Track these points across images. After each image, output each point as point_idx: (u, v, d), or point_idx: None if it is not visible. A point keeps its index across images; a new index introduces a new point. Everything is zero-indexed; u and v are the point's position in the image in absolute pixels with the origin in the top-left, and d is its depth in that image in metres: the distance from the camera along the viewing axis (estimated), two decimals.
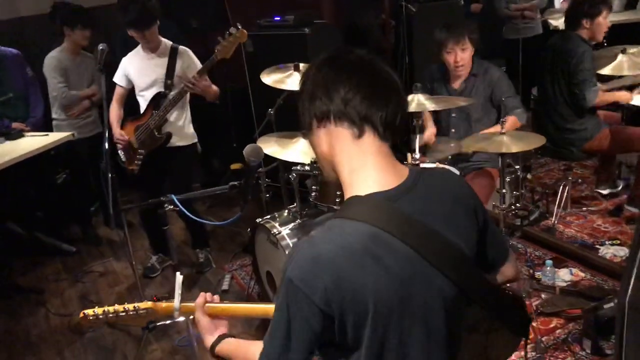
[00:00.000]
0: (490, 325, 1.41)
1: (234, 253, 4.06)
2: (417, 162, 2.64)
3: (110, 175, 2.82)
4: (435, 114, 3.44)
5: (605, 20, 3.64)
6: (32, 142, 3.88)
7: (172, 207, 2.00)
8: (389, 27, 5.36)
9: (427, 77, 3.50)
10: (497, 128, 2.96)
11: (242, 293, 3.58)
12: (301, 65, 3.33)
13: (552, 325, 2.96)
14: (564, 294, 3.15)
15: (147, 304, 1.64)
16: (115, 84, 3.61)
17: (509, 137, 2.75)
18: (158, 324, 3.18)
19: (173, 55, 3.48)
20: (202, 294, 1.56)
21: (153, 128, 3.44)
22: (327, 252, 1.11)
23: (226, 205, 4.73)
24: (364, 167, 1.20)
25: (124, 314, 1.65)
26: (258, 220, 3.06)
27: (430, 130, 3.36)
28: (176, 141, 3.55)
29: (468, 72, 3.31)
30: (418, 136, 2.67)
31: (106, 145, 2.96)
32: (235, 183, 1.80)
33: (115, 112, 3.61)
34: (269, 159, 3.24)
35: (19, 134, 3.96)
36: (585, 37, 3.65)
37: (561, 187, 3.92)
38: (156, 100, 3.46)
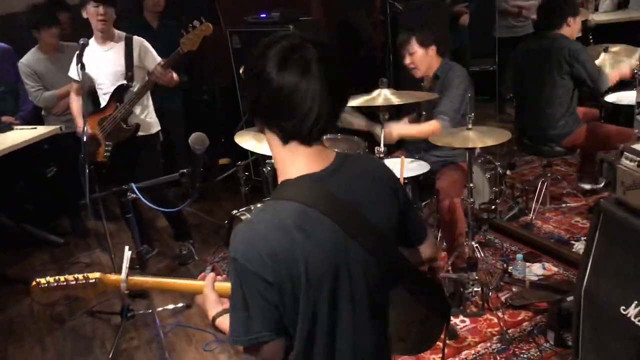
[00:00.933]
0: (415, 307, 1.49)
1: (218, 246, 4.13)
2: (381, 155, 2.70)
3: (87, 167, 2.91)
4: (417, 112, 3.50)
5: (580, 19, 3.71)
6: (20, 135, 3.96)
7: (134, 195, 2.07)
8: (379, 24, 5.42)
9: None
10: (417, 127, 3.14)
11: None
12: None
13: (519, 318, 3.01)
14: (533, 287, 3.20)
15: (96, 274, 1.72)
16: (70, 78, 3.63)
17: (475, 132, 2.79)
18: (136, 313, 3.32)
19: (129, 45, 3.49)
20: (211, 273, 1.61)
21: (120, 120, 3.46)
22: (262, 229, 1.24)
23: (215, 199, 4.80)
24: (294, 156, 1.31)
25: (74, 282, 1.72)
26: (234, 212, 3.12)
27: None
28: (141, 131, 3.58)
29: (427, 72, 3.36)
30: (383, 130, 2.72)
31: (84, 138, 3.04)
32: (184, 170, 1.87)
33: (76, 105, 3.63)
34: (247, 154, 3.31)
35: (7, 127, 4.05)
36: (567, 35, 3.69)
37: (539, 183, 3.96)
38: (119, 93, 3.47)
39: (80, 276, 1.73)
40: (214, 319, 1.48)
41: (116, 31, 3.54)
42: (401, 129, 3.23)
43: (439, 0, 5.08)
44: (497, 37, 5.74)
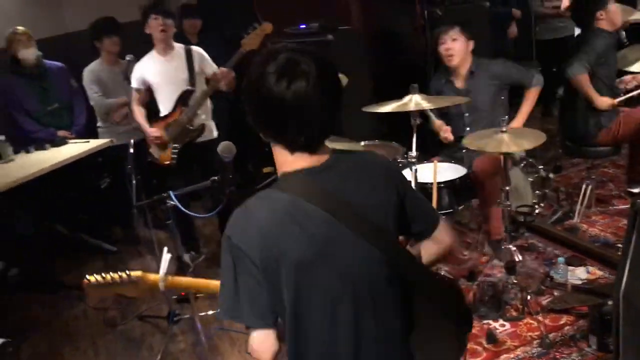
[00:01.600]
0: (426, 309, 1.50)
1: None
2: (414, 160, 2.72)
3: (134, 178, 3.06)
4: (446, 115, 3.51)
5: (616, 7, 3.63)
6: (74, 149, 4.19)
7: (172, 202, 2.18)
8: (421, 31, 5.42)
9: (433, 85, 3.59)
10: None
11: None
12: None
13: (561, 322, 2.97)
14: (576, 291, 3.14)
15: (137, 272, 1.90)
16: (132, 89, 3.91)
17: (509, 135, 2.78)
18: (183, 317, 3.44)
19: (189, 55, 3.76)
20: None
21: (186, 123, 3.71)
22: (256, 213, 1.36)
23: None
24: (295, 159, 1.41)
25: (118, 279, 1.88)
26: None
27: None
28: (205, 135, 3.85)
29: (460, 65, 3.40)
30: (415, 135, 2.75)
31: (131, 150, 3.20)
32: (215, 178, 1.96)
33: (140, 113, 3.89)
34: None
35: (62, 141, 4.28)
36: (606, 28, 3.64)
37: (583, 186, 3.89)
38: (184, 98, 3.72)
39: (123, 274, 1.89)
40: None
41: (175, 43, 3.80)
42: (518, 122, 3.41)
43: (479, 4, 5.04)
44: (537, 39, 5.70)
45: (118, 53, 4.47)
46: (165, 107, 3.83)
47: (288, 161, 1.40)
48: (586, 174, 4.02)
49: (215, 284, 1.89)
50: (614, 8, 3.61)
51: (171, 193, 2.10)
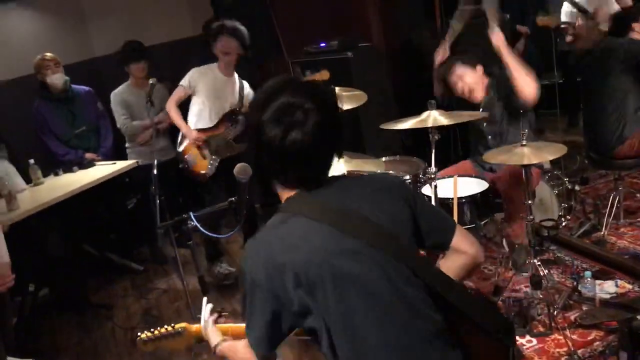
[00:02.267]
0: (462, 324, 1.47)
1: None
2: (433, 176, 2.72)
3: (158, 197, 3.10)
4: (467, 127, 3.50)
5: None
6: (101, 170, 4.28)
7: (193, 223, 2.20)
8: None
9: (446, 99, 3.58)
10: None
11: None
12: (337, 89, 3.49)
13: (590, 338, 2.90)
14: (605, 305, 3.08)
15: (182, 324, 1.92)
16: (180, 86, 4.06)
17: (529, 148, 2.76)
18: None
19: (241, 83, 4.01)
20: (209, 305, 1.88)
21: (230, 138, 3.90)
22: (264, 240, 1.41)
23: None
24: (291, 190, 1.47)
25: (165, 333, 1.92)
26: None
27: None
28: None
29: (481, 93, 3.37)
30: (433, 150, 2.75)
31: (155, 171, 3.25)
32: (233, 199, 1.99)
33: (177, 113, 4.05)
34: None
35: (90, 164, 4.39)
36: (637, 37, 3.62)
37: (611, 197, 3.82)
38: (231, 116, 3.94)
39: (169, 327, 1.93)
40: (216, 347, 1.70)
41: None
42: (503, 43, 3.15)
43: (500, 17, 5.01)
44: (560, 50, 5.64)
45: (145, 76, 4.56)
46: (201, 119, 3.99)
47: (286, 192, 1.47)
48: (614, 185, 3.95)
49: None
50: None
51: (191, 214, 2.13)
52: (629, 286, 3.25)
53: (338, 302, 1.34)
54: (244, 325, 1.69)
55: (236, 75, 4.09)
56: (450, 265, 1.56)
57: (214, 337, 1.77)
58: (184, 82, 4.04)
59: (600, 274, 3.37)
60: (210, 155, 3.97)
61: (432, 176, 2.69)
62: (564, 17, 4.99)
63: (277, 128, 1.36)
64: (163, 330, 1.93)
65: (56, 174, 4.34)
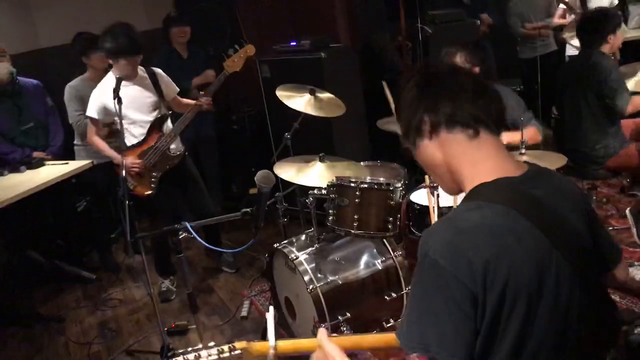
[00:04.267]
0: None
1: (253, 279, 4.03)
2: (434, 184, 2.60)
3: (127, 202, 2.82)
4: None
5: (620, 32, 3.64)
6: (52, 171, 3.93)
7: (186, 234, 1.99)
8: (405, 49, 5.36)
9: None
10: (516, 134, 2.87)
11: (261, 319, 3.53)
12: (316, 90, 3.33)
13: None
14: None
15: (243, 343, 1.50)
16: (89, 117, 3.60)
17: (529, 157, 2.69)
18: (176, 352, 3.20)
19: (153, 77, 3.54)
20: (322, 329, 1.44)
21: (165, 149, 3.48)
22: (470, 232, 1.13)
23: (245, 229, 4.71)
24: (486, 158, 1.24)
25: (217, 357, 1.49)
26: (275, 245, 3.03)
27: None
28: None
29: None
30: None
31: (123, 172, 2.97)
32: (248, 210, 1.78)
33: (103, 144, 3.62)
34: (286, 184, 3.24)
35: (39, 163, 4.02)
36: (607, 51, 3.63)
37: None
38: (159, 123, 3.50)
39: (225, 347, 1.49)
40: None
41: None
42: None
43: (470, 22, 5.00)
44: (519, 57, 5.73)
45: (105, 69, 4.22)
46: (134, 134, 3.55)
47: (472, 157, 1.24)
48: (587, 194, 3.97)
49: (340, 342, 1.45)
50: (619, 33, 3.60)
51: (187, 225, 1.91)
52: (616, 298, 3.24)
53: (529, 316, 1.13)
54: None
55: (141, 69, 3.53)
56: None
57: (338, 355, 1.33)
58: (91, 112, 3.53)
59: None
60: (151, 174, 3.54)
61: (435, 184, 2.57)
62: None
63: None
64: (214, 352, 1.47)
65: (1, 174, 3.95)
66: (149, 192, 3.55)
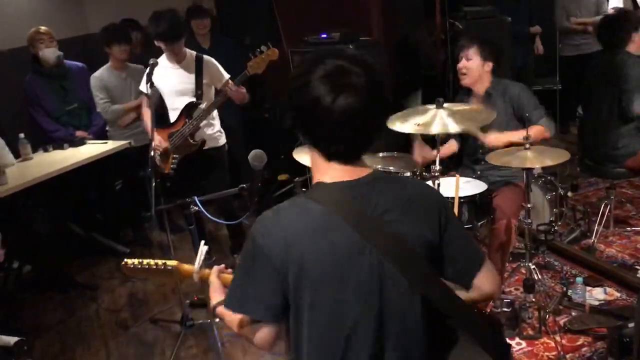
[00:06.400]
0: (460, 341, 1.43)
1: None
2: (436, 174, 2.71)
3: (154, 181, 3.04)
4: (461, 135, 3.48)
5: None
6: (92, 149, 4.21)
7: (196, 208, 2.17)
8: (440, 44, 5.42)
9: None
10: (521, 133, 2.95)
11: None
12: None
13: (578, 343, 2.93)
14: (594, 312, 3.11)
15: (173, 262, 1.91)
16: (141, 92, 3.81)
17: (533, 152, 2.77)
18: (195, 322, 3.42)
19: (199, 65, 3.63)
20: (221, 265, 1.76)
21: (187, 135, 3.61)
22: (285, 218, 1.35)
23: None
24: (331, 167, 1.37)
25: (154, 267, 1.93)
26: None
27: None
28: (208, 144, 3.75)
29: (475, 86, 3.34)
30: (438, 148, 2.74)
31: (152, 152, 3.19)
32: (244, 185, 1.96)
33: (148, 118, 3.69)
34: (304, 169, 3.39)
35: (80, 142, 4.31)
36: (632, 51, 3.63)
37: (602, 205, 3.86)
38: (188, 110, 3.61)
39: (159, 262, 1.94)
40: (215, 307, 1.57)
41: (187, 50, 3.67)
42: (505, 137, 3.13)
43: (501, 18, 5.02)
44: (559, 55, 5.68)
45: (126, 59, 4.47)
46: (173, 116, 3.74)
47: (322, 168, 1.37)
48: (605, 193, 3.98)
49: None
50: None
51: (196, 199, 2.09)
52: (617, 294, 3.29)
53: (327, 300, 1.32)
54: None
55: (189, 55, 3.66)
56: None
57: (216, 293, 1.63)
58: (142, 87, 3.74)
59: (589, 280, 3.40)
60: (172, 155, 3.69)
61: (436, 174, 2.68)
62: None
63: (330, 88, 1.26)
64: (152, 263, 1.95)
65: (45, 150, 4.26)
66: (168, 171, 3.69)
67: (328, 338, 1.33)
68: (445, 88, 5.18)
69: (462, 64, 3.28)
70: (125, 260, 1.98)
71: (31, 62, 4.38)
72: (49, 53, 4.32)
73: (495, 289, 1.47)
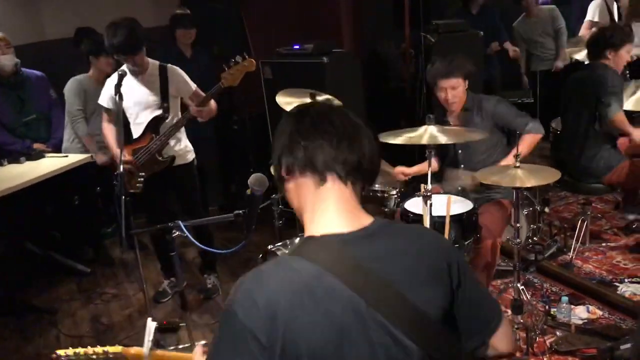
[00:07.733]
0: None
1: None
2: (429, 193, 2.61)
3: (123, 198, 2.84)
4: (441, 151, 3.42)
5: (628, 54, 3.65)
6: (52, 163, 3.97)
7: (179, 233, 2.01)
8: (409, 57, 5.39)
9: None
10: (510, 159, 2.90)
11: None
12: (317, 94, 3.35)
13: None
14: (579, 332, 3.07)
15: (117, 348, 1.64)
16: (102, 107, 3.58)
17: (523, 170, 2.70)
18: (168, 349, 3.22)
19: (163, 75, 3.44)
20: (202, 342, 1.55)
21: (155, 152, 3.42)
22: (269, 283, 1.12)
23: (239, 231, 4.72)
24: (325, 210, 1.23)
25: (94, 357, 1.64)
26: (269, 247, 3.05)
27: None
28: (177, 160, 3.55)
29: (460, 107, 3.29)
30: (430, 168, 2.65)
31: (121, 167, 2.99)
32: (240, 212, 1.81)
33: (110, 133, 3.58)
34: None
35: (39, 155, 4.05)
36: (612, 66, 3.66)
37: (579, 221, 3.85)
38: (155, 124, 3.43)
39: (100, 350, 1.64)
40: None
41: (150, 60, 3.47)
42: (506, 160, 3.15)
43: (473, 33, 5.02)
44: (529, 71, 5.79)
45: (110, 73, 4.24)
46: (136, 131, 3.53)
47: (316, 206, 1.22)
48: (581, 209, 3.99)
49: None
50: (623, 54, 3.62)
51: (181, 224, 1.93)
52: (599, 312, 3.26)
53: None
54: None
55: (152, 66, 3.45)
56: None
57: None
58: (101, 100, 3.55)
59: (571, 298, 3.37)
60: (138, 172, 3.46)
61: (427, 194, 2.59)
62: None
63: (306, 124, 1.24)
64: (91, 352, 1.63)
65: (0, 165, 3.97)
66: (134, 190, 3.46)
67: None
68: (416, 104, 5.15)
69: (451, 94, 3.21)
70: (56, 352, 1.66)
71: None
72: (6, 60, 4.07)
73: (510, 348, 1.34)
